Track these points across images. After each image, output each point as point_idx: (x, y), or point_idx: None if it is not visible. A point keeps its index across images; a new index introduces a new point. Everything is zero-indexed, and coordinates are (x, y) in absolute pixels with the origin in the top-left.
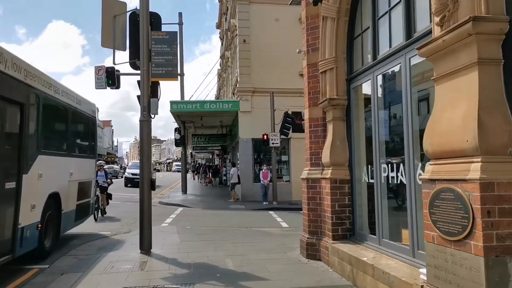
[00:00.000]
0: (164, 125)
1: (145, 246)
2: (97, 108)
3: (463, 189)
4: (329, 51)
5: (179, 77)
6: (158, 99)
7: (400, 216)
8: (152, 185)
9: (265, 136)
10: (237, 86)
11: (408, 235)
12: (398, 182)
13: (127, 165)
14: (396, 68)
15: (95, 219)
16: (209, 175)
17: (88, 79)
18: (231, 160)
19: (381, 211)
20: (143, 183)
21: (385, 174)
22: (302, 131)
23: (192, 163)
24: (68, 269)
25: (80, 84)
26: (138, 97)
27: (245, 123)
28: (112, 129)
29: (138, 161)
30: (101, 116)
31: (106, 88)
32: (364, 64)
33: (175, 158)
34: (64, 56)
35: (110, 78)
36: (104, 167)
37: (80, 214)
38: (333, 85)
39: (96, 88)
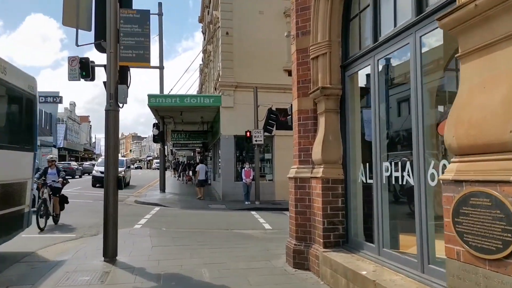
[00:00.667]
0: (145, 122)
1: (109, 253)
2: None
3: (505, 194)
4: (322, 34)
5: (158, 70)
6: (128, 86)
7: (405, 223)
8: (119, 184)
9: (248, 133)
10: (219, 80)
11: (415, 246)
12: (404, 183)
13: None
14: (403, 50)
15: (41, 229)
16: (189, 173)
17: (67, 74)
18: (212, 158)
19: (382, 216)
20: (109, 181)
21: (387, 174)
22: (286, 128)
23: (173, 161)
24: (17, 280)
25: (59, 78)
26: (105, 83)
27: (227, 119)
28: (90, 125)
29: None
30: (79, 112)
31: (79, 80)
32: (362, 48)
33: (156, 156)
34: (43, 49)
35: (84, 70)
36: (57, 163)
37: (5, 228)
38: (326, 73)
39: (69, 80)
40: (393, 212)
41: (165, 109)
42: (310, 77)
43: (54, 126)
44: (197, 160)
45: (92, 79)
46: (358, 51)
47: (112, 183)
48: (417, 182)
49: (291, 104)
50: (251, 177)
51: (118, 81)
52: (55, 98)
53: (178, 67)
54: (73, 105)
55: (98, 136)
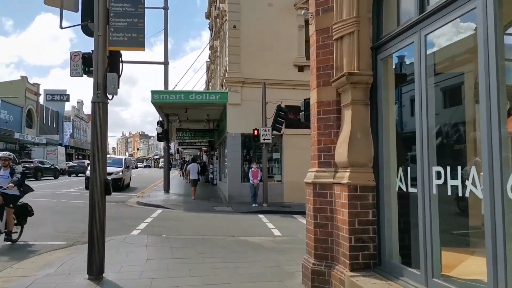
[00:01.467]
0: (152, 121)
1: (95, 270)
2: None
3: None
4: (348, 10)
5: (163, 66)
6: (119, 75)
7: (464, 246)
8: (107, 188)
9: (255, 131)
10: (226, 76)
11: (486, 280)
12: (466, 194)
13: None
14: (464, 20)
15: None
16: None
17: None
18: (218, 157)
19: (431, 236)
20: (94, 185)
21: (440, 182)
22: (296, 126)
23: (180, 160)
24: None
25: (68, 78)
26: (92, 71)
27: (234, 117)
28: None
29: (110, 155)
30: (87, 110)
31: (82, 76)
32: (401, 24)
33: (163, 154)
34: (52, 49)
35: (87, 65)
36: (11, 163)
37: None
38: (353, 56)
39: (71, 76)
40: (445, 230)
41: (169, 106)
42: (333, 62)
43: (61, 124)
44: (204, 159)
45: None
46: (395, 27)
47: (99, 187)
48: (488, 195)
49: (304, 99)
50: (258, 178)
51: (107, 69)
52: (62, 96)
53: (185, 66)
54: (80, 103)
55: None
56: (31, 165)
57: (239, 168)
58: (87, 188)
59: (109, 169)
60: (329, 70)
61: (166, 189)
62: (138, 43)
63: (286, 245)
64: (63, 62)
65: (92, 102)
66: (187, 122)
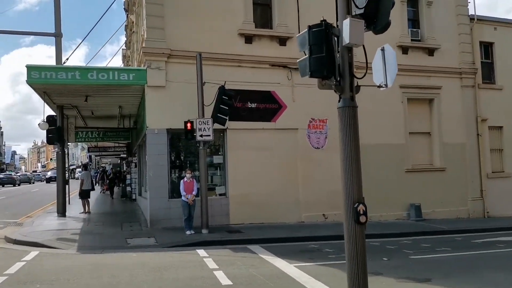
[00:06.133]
0: None
1: None
2: None
3: None
4: None
5: (54, 38)
6: None
7: None
8: None
9: (189, 125)
10: (143, 46)
11: None
12: None
13: None
14: None
15: None
16: (106, 182)
17: None
18: (136, 165)
19: None
20: None
21: None
22: (245, 118)
23: (98, 170)
24: None
25: None
26: None
27: (157, 105)
28: (1, 131)
29: None
30: None
31: None
32: None
33: (80, 164)
34: None
35: None
36: None
37: None
38: None
39: None
40: None
41: (59, 91)
42: None
43: None
44: (124, 168)
45: None
46: None
47: None
48: None
49: (309, 27)
50: (194, 192)
51: None
52: None
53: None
54: None
55: (12, 144)
56: None
57: (166, 178)
58: None
59: None
60: None
61: (61, 211)
62: None
63: None
64: None
65: None
66: (93, 119)
